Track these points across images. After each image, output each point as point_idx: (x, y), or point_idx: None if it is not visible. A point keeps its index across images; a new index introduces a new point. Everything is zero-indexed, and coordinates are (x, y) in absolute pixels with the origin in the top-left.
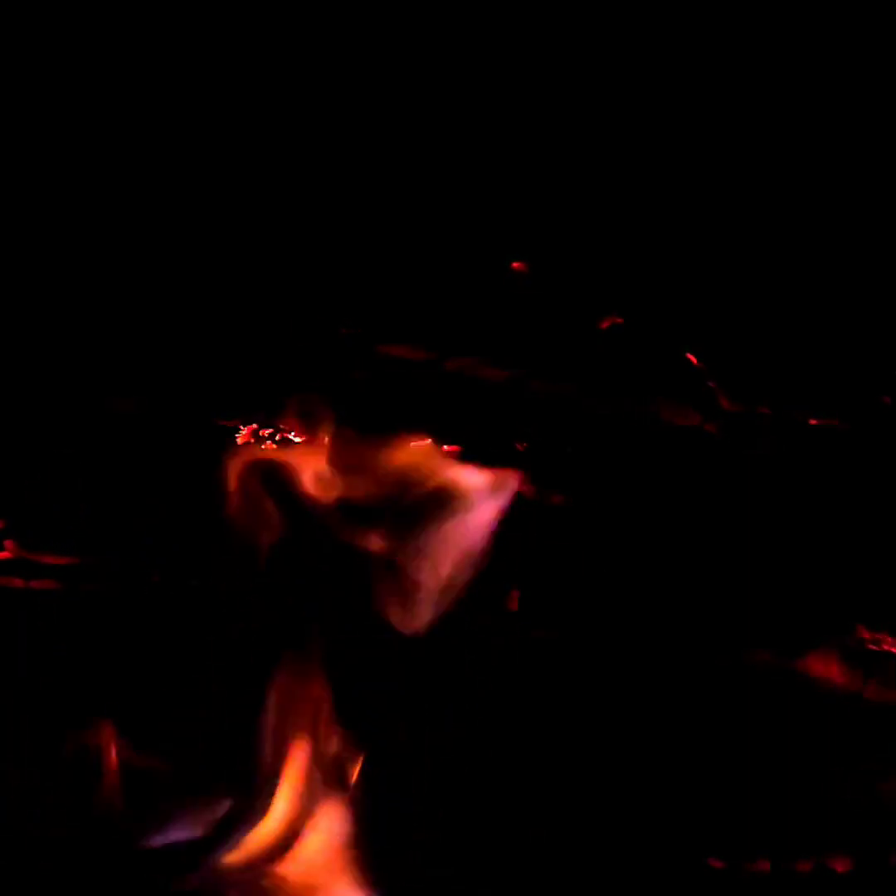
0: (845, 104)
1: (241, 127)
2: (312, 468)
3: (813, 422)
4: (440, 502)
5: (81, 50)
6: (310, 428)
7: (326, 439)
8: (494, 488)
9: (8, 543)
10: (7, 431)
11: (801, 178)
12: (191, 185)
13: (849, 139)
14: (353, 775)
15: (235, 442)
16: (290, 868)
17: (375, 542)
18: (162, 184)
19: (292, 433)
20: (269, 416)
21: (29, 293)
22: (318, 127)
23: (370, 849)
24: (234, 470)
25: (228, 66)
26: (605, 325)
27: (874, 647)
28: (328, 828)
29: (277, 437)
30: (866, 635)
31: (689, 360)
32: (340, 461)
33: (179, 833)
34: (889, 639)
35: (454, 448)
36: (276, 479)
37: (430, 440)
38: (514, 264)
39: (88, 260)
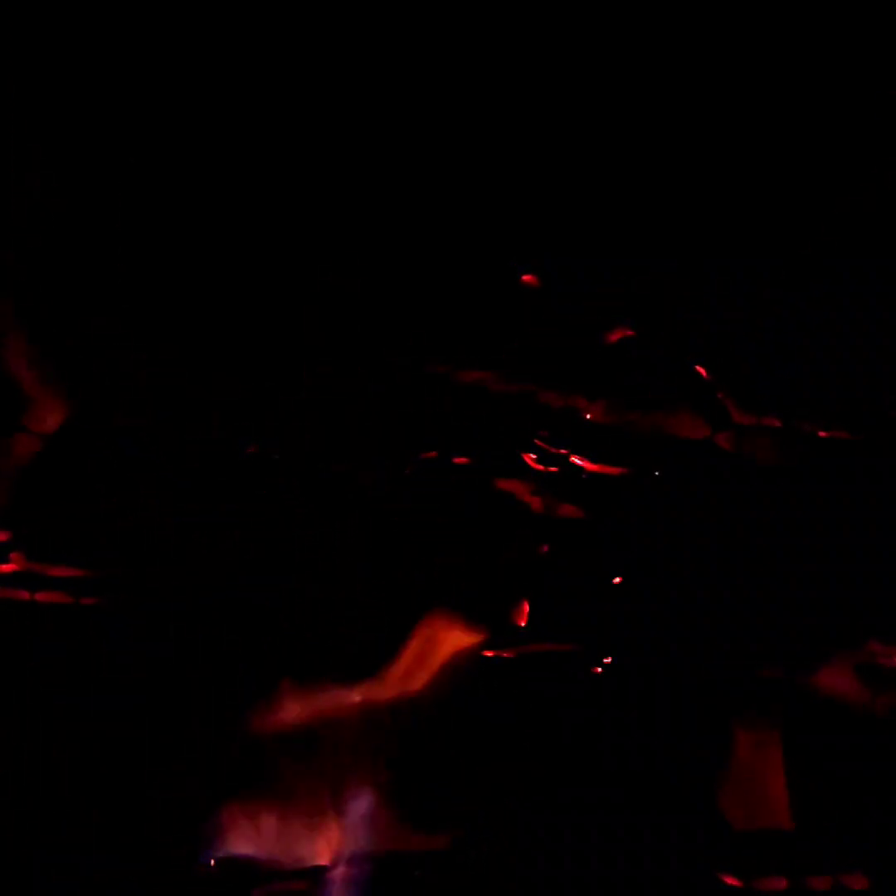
0: (846, 112)
1: (251, 149)
2: None
3: (822, 434)
4: None
5: (82, 50)
6: None
7: None
8: None
9: (14, 556)
10: (12, 442)
11: (808, 192)
12: (201, 201)
13: (851, 150)
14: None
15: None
16: None
17: None
18: (171, 198)
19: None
20: (275, 432)
21: (34, 304)
22: (332, 146)
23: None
24: None
25: (234, 70)
26: (615, 337)
27: (885, 661)
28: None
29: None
30: (877, 649)
31: (698, 373)
32: None
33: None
34: None
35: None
36: None
37: None
38: (525, 277)
39: (97, 272)
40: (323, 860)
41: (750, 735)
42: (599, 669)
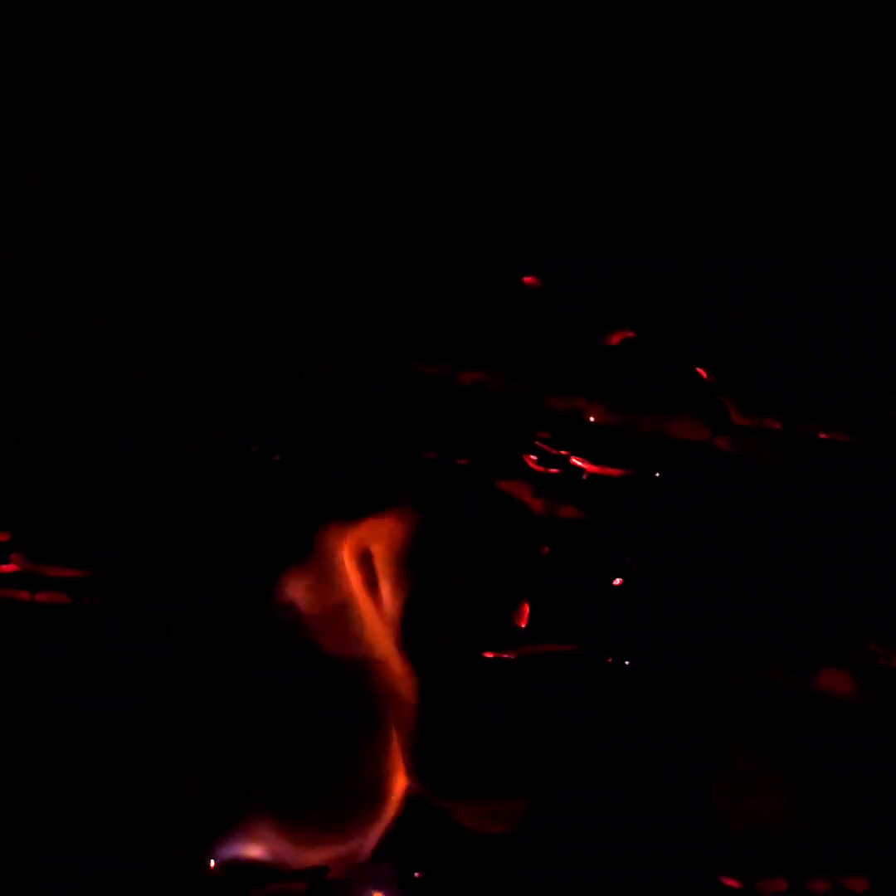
0: (846, 112)
1: (251, 149)
2: None
3: (822, 436)
4: None
5: (82, 50)
6: None
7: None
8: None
9: (14, 556)
10: (13, 444)
11: (808, 192)
12: (201, 201)
13: (851, 150)
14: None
15: (245, 458)
16: None
17: None
18: (172, 198)
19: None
20: (275, 432)
21: (34, 304)
22: (332, 146)
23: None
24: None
25: (234, 70)
26: (616, 339)
27: (885, 662)
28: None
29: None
30: (877, 650)
31: (699, 375)
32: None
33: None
34: None
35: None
36: None
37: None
38: (526, 279)
39: (97, 272)
40: (324, 861)
41: (750, 735)
42: (600, 670)
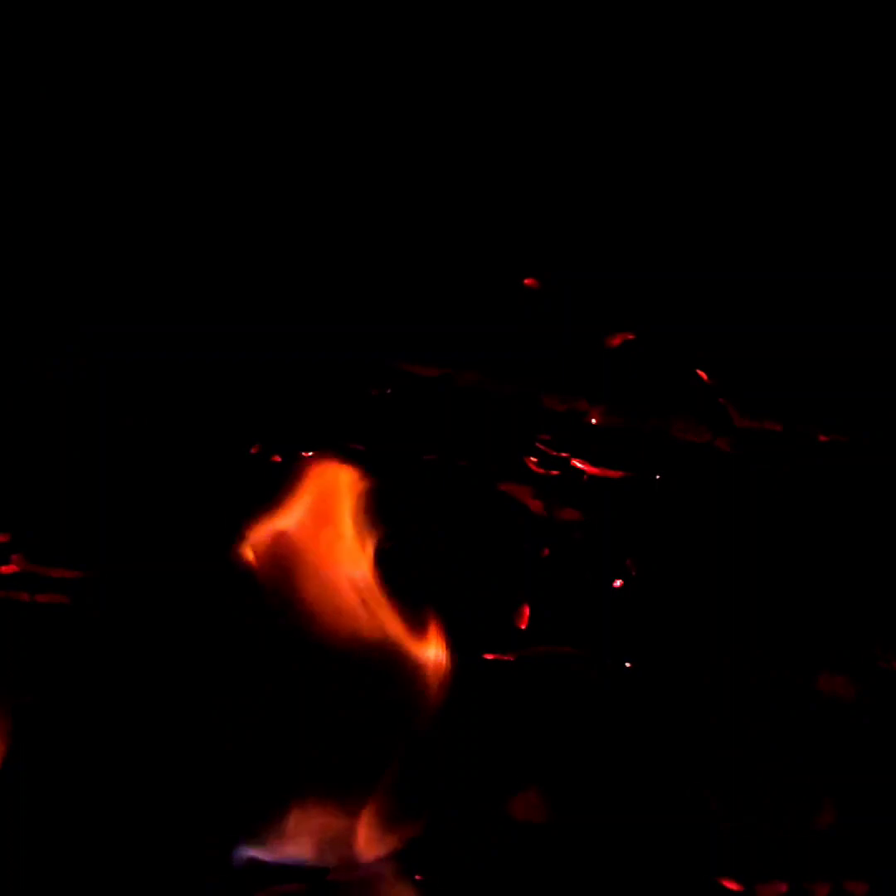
0: (846, 112)
1: (251, 149)
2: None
3: (823, 438)
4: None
5: (82, 50)
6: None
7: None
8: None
9: (14, 557)
10: (12, 444)
11: (810, 196)
12: (201, 201)
13: (851, 150)
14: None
15: (246, 459)
16: None
17: None
18: (172, 198)
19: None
20: (279, 433)
21: (33, 303)
22: (333, 147)
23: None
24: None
25: (234, 70)
26: (616, 341)
27: (885, 665)
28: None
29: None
30: (880, 654)
31: (699, 377)
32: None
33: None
34: None
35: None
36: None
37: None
38: (526, 280)
39: (97, 272)
40: (326, 862)
41: (750, 735)
42: (600, 671)
